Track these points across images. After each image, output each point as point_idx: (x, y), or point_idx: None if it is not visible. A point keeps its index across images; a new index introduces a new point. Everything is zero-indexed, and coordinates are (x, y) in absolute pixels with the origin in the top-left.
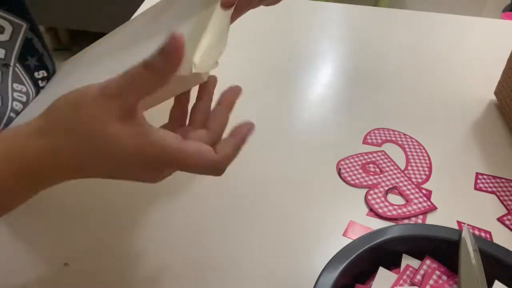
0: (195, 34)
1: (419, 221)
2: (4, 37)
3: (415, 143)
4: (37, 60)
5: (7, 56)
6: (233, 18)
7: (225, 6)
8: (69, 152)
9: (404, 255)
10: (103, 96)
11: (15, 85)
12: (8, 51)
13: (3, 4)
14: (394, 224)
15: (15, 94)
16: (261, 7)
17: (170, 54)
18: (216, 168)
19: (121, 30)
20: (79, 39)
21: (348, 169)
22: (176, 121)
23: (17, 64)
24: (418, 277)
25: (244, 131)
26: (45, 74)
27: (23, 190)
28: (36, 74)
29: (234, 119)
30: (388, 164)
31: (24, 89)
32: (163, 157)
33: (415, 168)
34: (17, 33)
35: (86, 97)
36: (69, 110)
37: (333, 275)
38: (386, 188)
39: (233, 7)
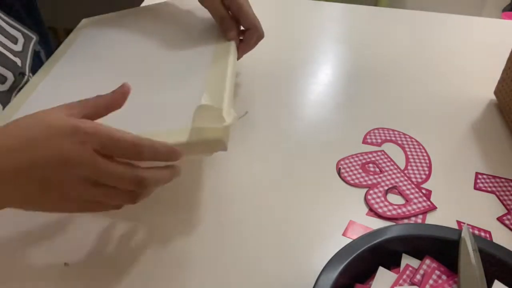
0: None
1: (419, 220)
2: (18, 47)
3: (415, 143)
4: None
5: (22, 64)
6: None
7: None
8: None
9: (403, 255)
10: (66, 109)
11: None
12: (22, 60)
13: (18, 16)
14: (393, 223)
15: None
16: (261, 7)
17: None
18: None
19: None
20: None
21: (347, 169)
22: None
23: (30, 74)
24: (418, 276)
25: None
26: None
27: None
28: None
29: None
30: (388, 164)
31: None
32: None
33: (414, 168)
34: (28, 44)
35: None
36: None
37: (333, 275)
38: (386, 187)
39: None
